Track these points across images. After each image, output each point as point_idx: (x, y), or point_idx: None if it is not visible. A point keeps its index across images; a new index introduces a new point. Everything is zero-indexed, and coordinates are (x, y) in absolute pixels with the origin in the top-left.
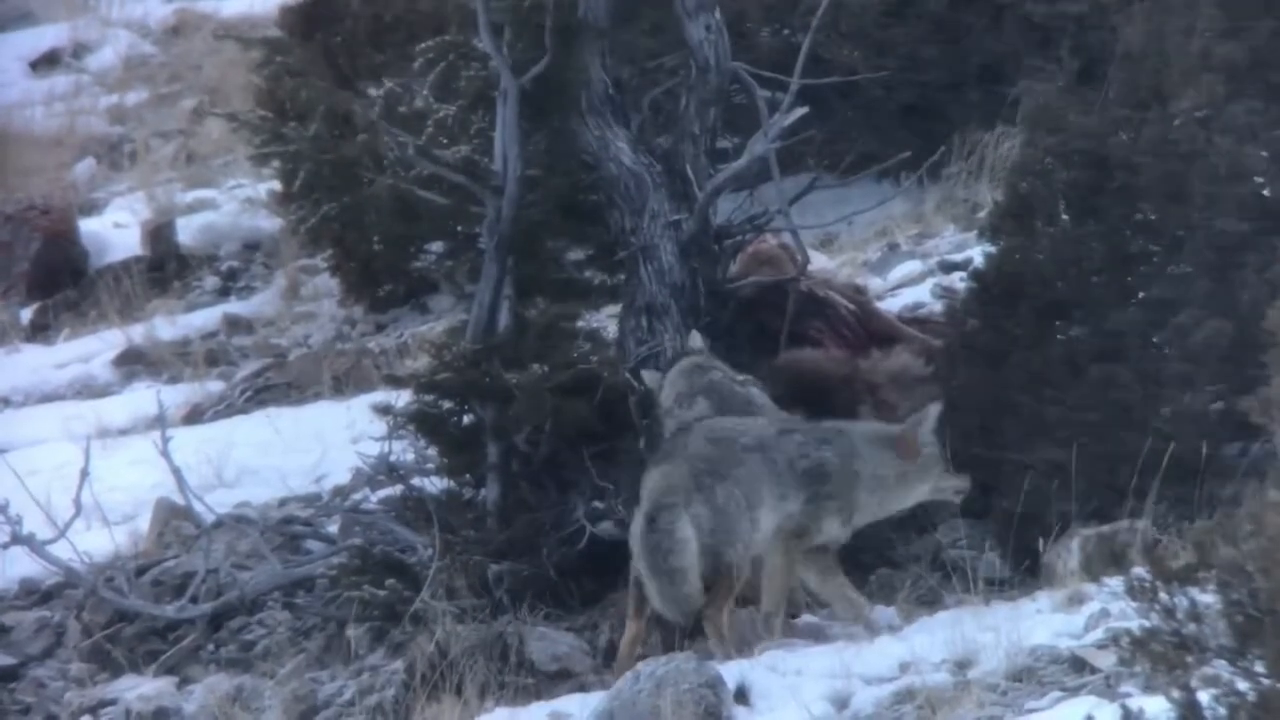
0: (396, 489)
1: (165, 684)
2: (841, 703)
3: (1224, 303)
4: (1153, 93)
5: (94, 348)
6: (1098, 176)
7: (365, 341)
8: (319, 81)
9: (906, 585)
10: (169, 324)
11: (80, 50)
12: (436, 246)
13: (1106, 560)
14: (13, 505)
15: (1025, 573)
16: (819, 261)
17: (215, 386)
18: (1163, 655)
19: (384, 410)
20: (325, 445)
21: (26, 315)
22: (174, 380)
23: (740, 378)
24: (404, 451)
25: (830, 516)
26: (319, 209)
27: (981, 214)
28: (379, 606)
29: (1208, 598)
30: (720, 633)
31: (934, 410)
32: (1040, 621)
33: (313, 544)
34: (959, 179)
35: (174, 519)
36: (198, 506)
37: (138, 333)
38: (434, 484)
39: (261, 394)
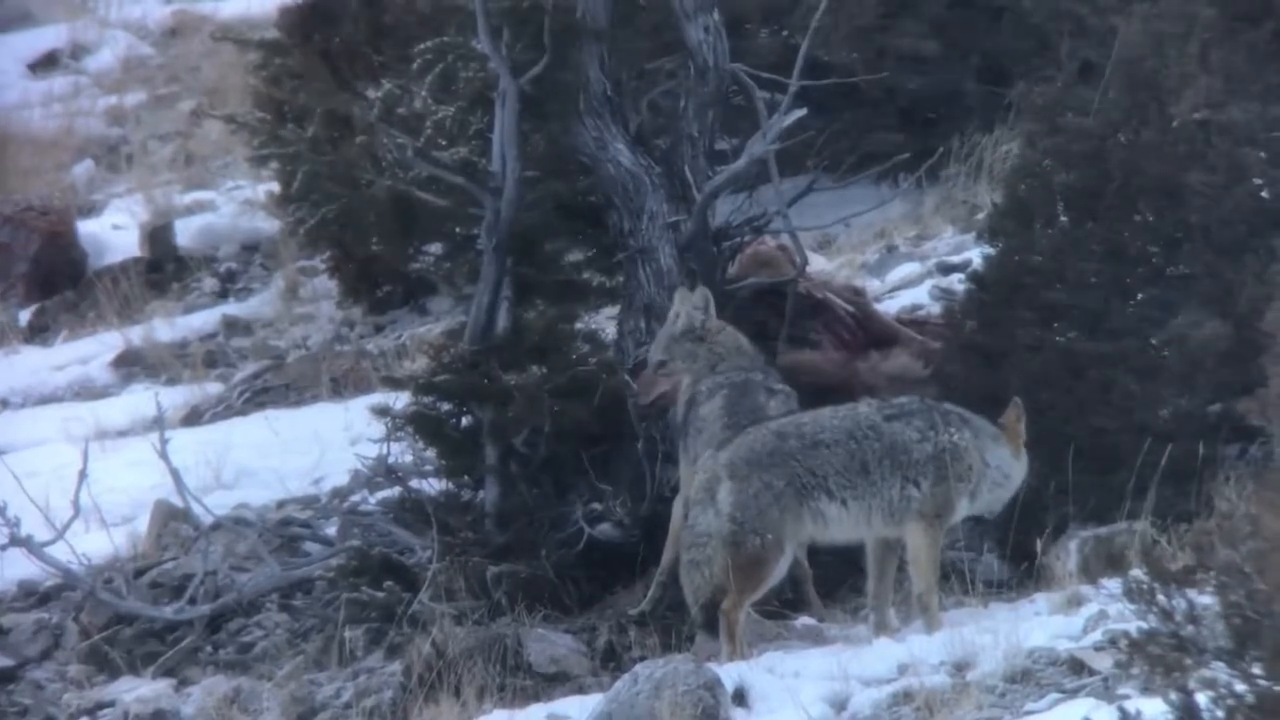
0: (395, 490)
1: (163, 685)
2: (840, 704)
3: (1222, 304)
4: (1151, 94)
5: (92, 349)
6: (1096, 178)
7: (364, 343)
8: (317, 83)
9: (905, 587)
10: (167, 325)
11: (79, 51)
12: (435, 248)
13: (1104, 562)
14: (11, 507)
15: (1023, 574)
16: (817, 263)
17: (214, 388)
18: (1161, 657)
19: (382, 412)
20: (324, 447)
21: (25, 317)
22: (172, 382)
23: (776, 386)
24: (402, 453)
25: (961, 498)
26: (317, 210)
27: (980, 215)
28: (377, 608)
29: (1206, 599)
30: (731, 631)
31: (1019, 402)
32: (1038, 623)
33: (311, 546)
34: (957, 181)
35: (172, 520)
36: (196, 508)
37: (136, 334)
38: (432, 486)
39: (260, 395)
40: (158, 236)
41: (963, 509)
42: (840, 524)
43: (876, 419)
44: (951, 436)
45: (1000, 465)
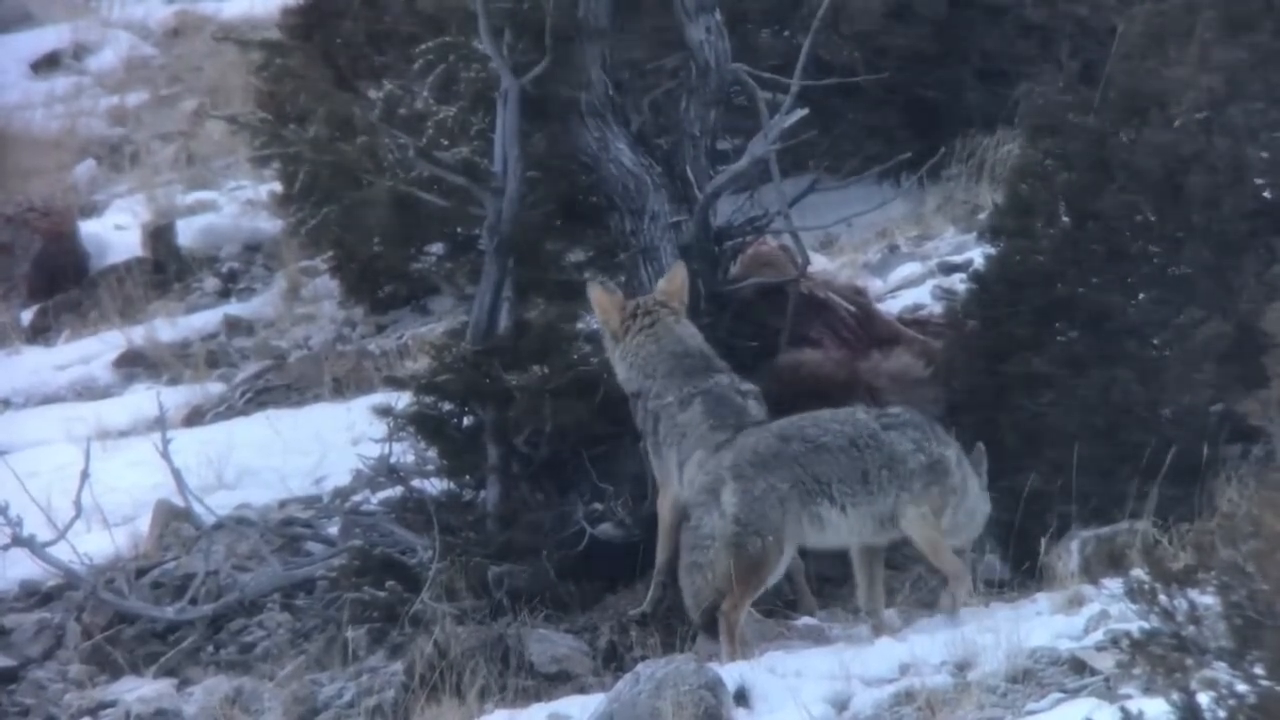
0: (396, 490)
1: (165, 686)
2: (841, 704)
3: (1224, 304)
4: (1152, 94)
5: (94, 349)
6: (1097, 178)
7: (365, 343)
8: (319, 83)
9: (906, 587)
10: (169, 325)
11: (81, 52)
12: (436, 248)
13: (1106, 562)
14: (13, 507)
15: (1025, 574)
16: (819, 263)
17: (215, 388)
18: (1162, 657)
19: (384, 412)
20: (325, 447)
21: (27, 317)
22: (174, 382)
23: (744, 387)
24: (404, 453)
25: (947, 509)
26: (319, 211)
27: (981, 215)
28: (379, 608)
29: (1207, 599)
30: (731, 632)
31: (982, 448)
32: (1040, 623)
33: (313, 546)
34: (959, 180)
35: (174, 520)
36: (198, 508)
37: (138, 334)
38: (434, 485)
39: (262, 395)
40: (160, 236)
41: (946, 519)
42: (836, 531)
43: (875, 427)
44: (943, 450)
45: (974, 496)
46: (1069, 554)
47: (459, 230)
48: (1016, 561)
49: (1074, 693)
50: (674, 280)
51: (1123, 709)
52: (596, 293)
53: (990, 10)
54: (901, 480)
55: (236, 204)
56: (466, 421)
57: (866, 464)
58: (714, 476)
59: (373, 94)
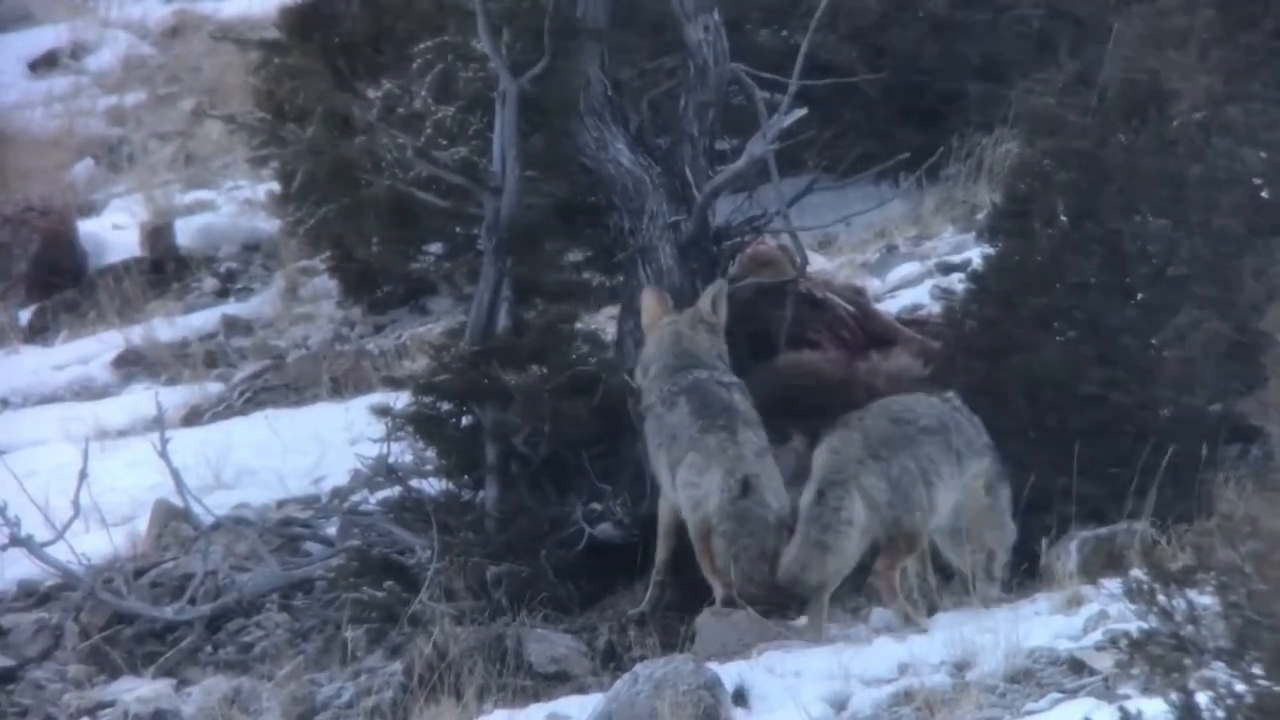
0: (395, 490)
1: (163, 686)
2: (840, 704)
3: (1222, 304)
4: (1150, 94)
5: (92, 349)
6: (1096, 178)
7: (364, 343)
8: (317, 83)
9: (906, 587)
10: (168, 325)
11: (79, 51)
12: (435, 248)
13: (1105, 562)
14: (11, 507)
15: (1024, 574)
16: (818, 263)
17: (214, 388)
18: (1161, 657)
19: (383, 412)
20: (324, 447)
21: (25, 316)
22: (172, 382)
23: (726, 380)
24: (403, 453)
25: (994, 488)
26: (317, 210)
27: (980, 215)
28: (377, 608)
29: (1206, 600)
30: (893, 589)
31: None
32: (1039, 623)
33: (311, 546)
34: (957, 180)
35: (172, 520)
36: (196, 508)
37: (136, 334)
38: (432, 485)
39: (260, 395)
40: (158, 236)
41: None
42: (946, 510)
43: (948, 409)
44: (989, 438)
45: (1006, 496)
46: (1068, 554)
47: (457, 230)
48: (1015, 562)
49: (1073, 693)
50: (708, 297)
51: (1121, 709)
52: (648, 299)
53: (989, 10)
54: (978, 460)
55: (235, 204)
56: (465, 421)
57: (958, 445)
58: (846, 458)
59: (371, 94)
